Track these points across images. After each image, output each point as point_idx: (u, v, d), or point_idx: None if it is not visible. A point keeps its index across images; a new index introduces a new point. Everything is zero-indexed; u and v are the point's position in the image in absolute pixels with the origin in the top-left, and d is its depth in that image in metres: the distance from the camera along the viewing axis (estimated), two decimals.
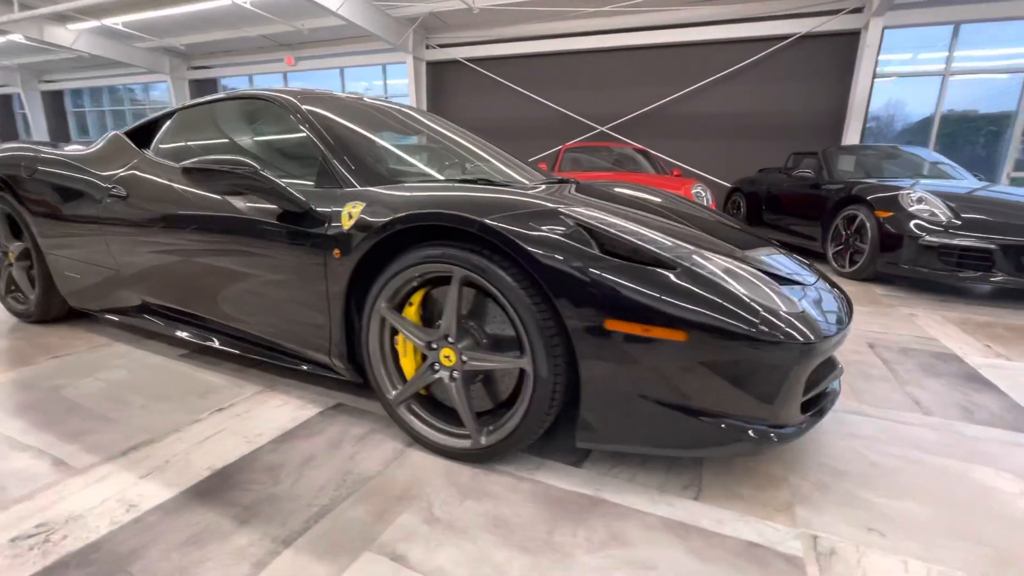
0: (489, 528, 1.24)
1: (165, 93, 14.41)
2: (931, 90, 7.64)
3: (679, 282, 1.22)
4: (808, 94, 7.80)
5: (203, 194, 1.90)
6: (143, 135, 2.39)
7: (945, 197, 3.90)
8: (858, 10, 7.23)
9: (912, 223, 3.84)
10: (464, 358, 1.44)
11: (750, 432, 1.25)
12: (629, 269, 1.23)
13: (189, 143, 2.19)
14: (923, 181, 4.55)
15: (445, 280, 1.48)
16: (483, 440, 1.44)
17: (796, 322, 1.24)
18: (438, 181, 1.96)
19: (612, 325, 1.22)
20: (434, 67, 10.60)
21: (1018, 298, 3.82)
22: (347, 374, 1.72)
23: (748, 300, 1.22)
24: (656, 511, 1.32)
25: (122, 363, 2.19)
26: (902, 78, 7.76)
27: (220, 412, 1.78)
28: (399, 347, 1.57)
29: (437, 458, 1.53)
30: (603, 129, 9.24)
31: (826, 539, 1.23)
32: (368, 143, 1.98)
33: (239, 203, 1.80)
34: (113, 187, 2.15)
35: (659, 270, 1.24)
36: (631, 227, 1.37)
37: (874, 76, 7.20)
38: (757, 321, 1.19)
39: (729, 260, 1.39)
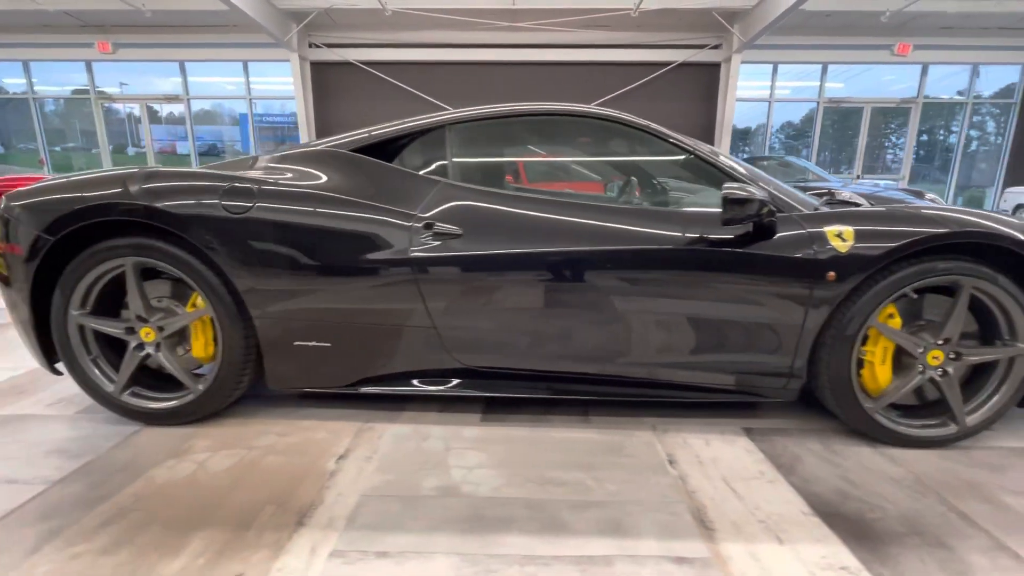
0: None
1: None
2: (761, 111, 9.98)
3: None
4: (687, 112, 9.39)
5: (606, 225, 1.66)
6: (370, 152, 1.87)
7: (862, 195, 5.31)
8: (717, 46, 9.00)
9: None
10: (952, 355, 1.65)
11: None
12: None
13: (499, 162, 1.82)
14: (831, 182, 6.05)
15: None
16: (968, 422, 1.68)
17: None
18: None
19: None
20: (316, 67, 9.52)
21: None
22: (791, 395, 1.75)
23: None
24: None
25: (442, 444, 1.72)
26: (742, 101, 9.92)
27: (674, 465, 1.62)
28: (870, 358, 1.69)
29: (907, 451, 1.70)
30: None
31: None
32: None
33: (662, 231, 1.65)
34: (432, 223, 1.67)
35: None
36: None
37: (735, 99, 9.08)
38: None
39: None
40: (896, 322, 1.67)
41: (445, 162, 1.83)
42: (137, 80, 10.25)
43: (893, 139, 10.70)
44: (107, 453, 1.66)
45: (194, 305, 1.79)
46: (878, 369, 1.69)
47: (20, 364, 2.43)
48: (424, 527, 1.32)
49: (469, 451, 1.69)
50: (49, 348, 1.82)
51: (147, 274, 1.81)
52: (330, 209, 1.68)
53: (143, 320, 1.77)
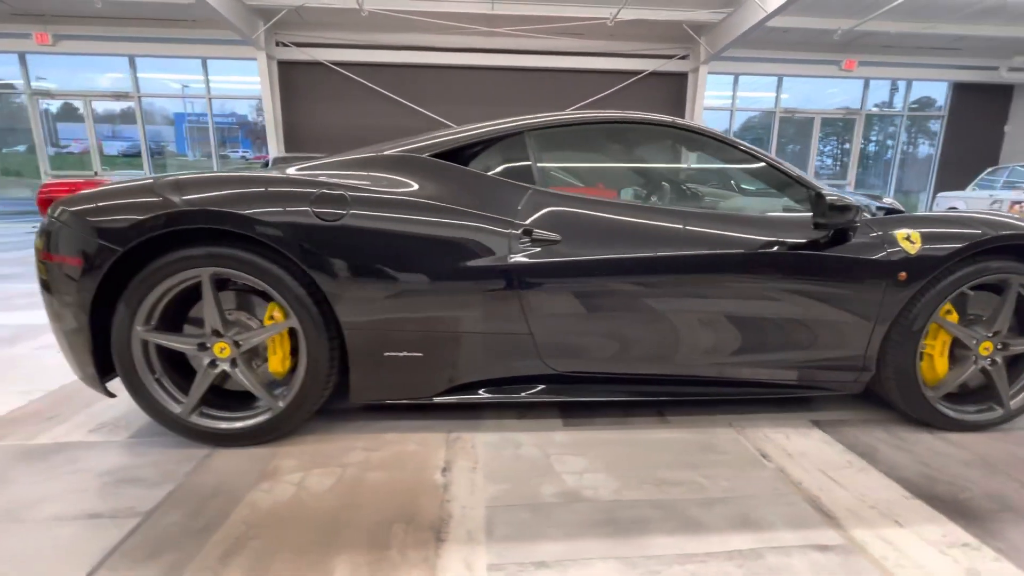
0: None
1: None
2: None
3: None
4: None
5: (696, 230, 1.72)
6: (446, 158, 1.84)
7: None
8: (684, 57, 9.40)
9: None
10: (1000, 346, 1.83)
11: None
12: None
13: (577, 167, 1.84)
14: None
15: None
16: (1012, 406, 1.86)
17: None
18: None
19: None
20: (283, 67, 9.14)
21: None
22: (859, 388, 1.87)
23: None
24: None
25: (539, 451, 1.72)
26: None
27: (768, 459, 1.69)
28: (929, 350, 1.84)
29: (962, 435, 1.86)
30: None
31: None
32: None
33: (748, 236, 1.72)
34: (531, 230, 1.66)
35: None
36: None
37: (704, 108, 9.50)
38: None
39: None
40: (954, 317, 1.82)
41: (530, 168, 1.82)
42: (57, 75, 9.40)
43: (822, 147, 11.49)
44: (188, 479, 1.54)
45: (271, 317, 1.70)
46: (936, 361, 1.84)
47: (32, 386, 2.20)
48: (565, 534, 1.32)
49: (569, 456, 1.69)
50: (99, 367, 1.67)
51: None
52: (429, 216, 1.64)
53: (218, 335, 1.66)
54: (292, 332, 1.70)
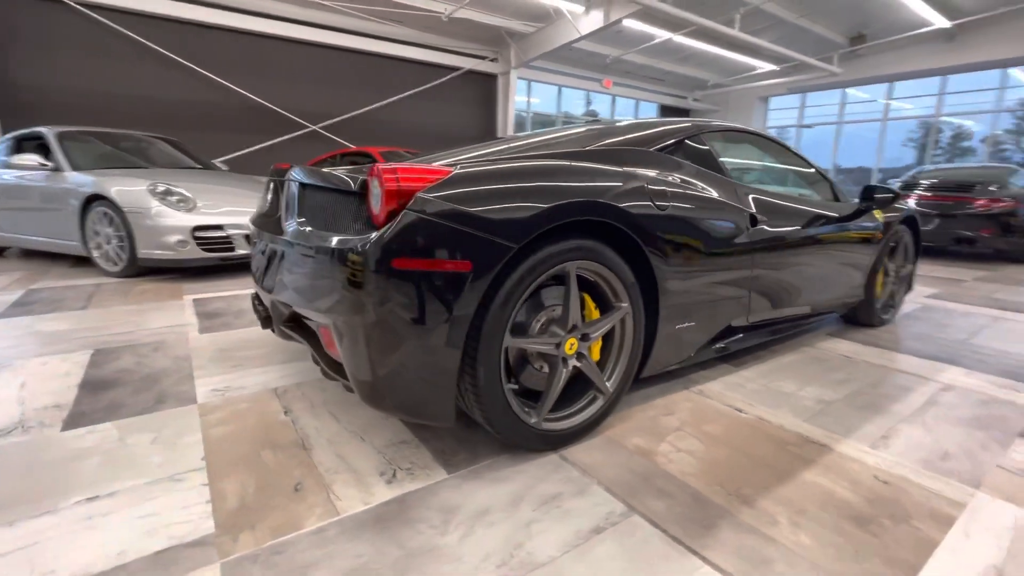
0: None
1: None
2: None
3: None
4: (473, 115, 10.39)
5: (815, 211, 2.47)
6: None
7: None
8: (495, 60, 10.30)
9: None
10: (896, 270, 3.21)
11: None
12: None
13: (732, 166, 2.34)
14: None
15: None
16: (898, 304, 3.29)
17: None
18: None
19: None
20: None
21: None
22: (847, 310, 3.00)
23: None
24: None
25: (757, 385, 2.22)
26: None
27: (851, 360, 2.61)
28: (876, 280, 3.08)
29: (884, 327, 3.20)
30: (316, 128, 8.57)
31: None
32: None
33: (824, 213, 2.58)
34: (755, 214, 2.09)
35: None
36: None
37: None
38: None
39: None
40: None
41: (719, 164, 2.25)
42: None
43: None
44: (594, 477, 1.50)
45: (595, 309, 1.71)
46: (878, 286, 3.11)
47: (172, 470, 1.47)
48: (861, 420, 1.91)
49: (774, 383, 2.26)
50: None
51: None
52: (719, 206, 1.95)
53: (571, 331, 1.59)
54: None
